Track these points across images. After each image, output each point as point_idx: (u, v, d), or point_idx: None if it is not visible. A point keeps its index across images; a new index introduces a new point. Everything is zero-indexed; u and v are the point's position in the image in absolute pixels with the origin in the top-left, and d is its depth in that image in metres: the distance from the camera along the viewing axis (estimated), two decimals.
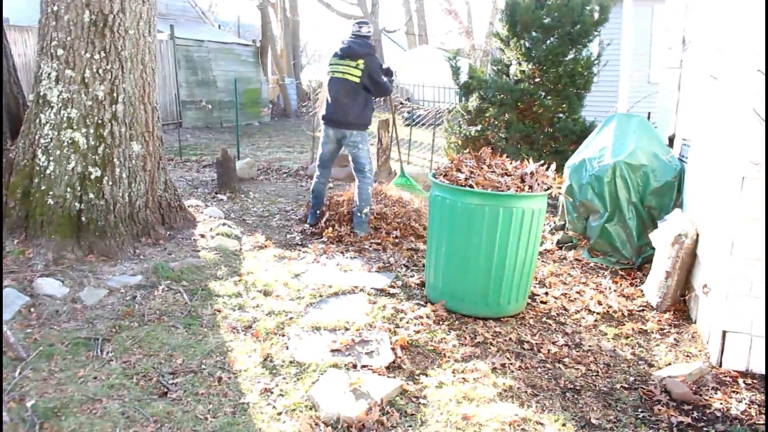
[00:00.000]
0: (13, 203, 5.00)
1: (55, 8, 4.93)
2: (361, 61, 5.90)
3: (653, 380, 3.58)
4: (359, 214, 6.10)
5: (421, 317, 4.26)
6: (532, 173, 4.47)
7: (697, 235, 4.55)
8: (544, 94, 8.49)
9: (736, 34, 3.94)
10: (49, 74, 4.97)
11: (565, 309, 4.65)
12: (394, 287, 4.82)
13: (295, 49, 25.58)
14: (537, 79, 8.56)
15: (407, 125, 14.50)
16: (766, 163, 3.43)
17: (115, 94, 5.12)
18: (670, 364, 3.83)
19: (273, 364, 3.56)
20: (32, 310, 4.03)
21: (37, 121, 5.03)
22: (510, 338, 4.08)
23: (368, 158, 6.13)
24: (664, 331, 4.34)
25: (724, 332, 3.76)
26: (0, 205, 4.99)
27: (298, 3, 25.79)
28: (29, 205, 4.99)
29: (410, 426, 3.06)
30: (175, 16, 18.72)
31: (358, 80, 5.90)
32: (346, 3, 28.72)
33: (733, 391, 3.49)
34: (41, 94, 5.01)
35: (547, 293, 4.92)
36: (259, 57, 20.34)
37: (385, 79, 6.11)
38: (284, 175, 9.94)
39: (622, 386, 3.55)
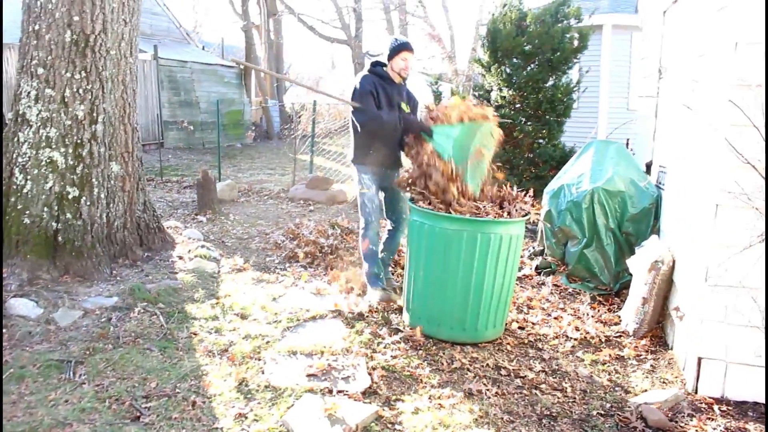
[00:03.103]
0: None
1: (37, 27, 4.92)
2: None
3: (629, 407, 3.58)
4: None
5: (398, 342, 4.25)
6: (510, 199, 4.49)
7: (674, 261, 4.59)
8: (524, 119, 8.58)
9: (710, 65, 4.01)
10: (29, 93, 4.95)
11: (543, 335, 4.66)
12: (372, 312, 4.80)
13: (278, 71, 25.66)
14: (518, 105, 8.66)
15: None
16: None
17: (95, 114, 5.10)
18: (646, 390, 3.84)
19: (248, 389, 3.52)
20: (4, 331, 3.97)
21: (15, 139, 4.99)
22: (487, 364, 4.07)
23: (365, 205, 5.03)
24: (641, 357, 4.36)
25: (700, 359, 3.78)
26: (0, 220, 4.92)
27: (282, 26, 25.92)
28: (5, 224, 4.93)
29: None
30: (159, 36, 18.75)
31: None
32: (329, 26, 28.91)
33: (709, 418, 3.50)
34: (20, 112, 4.98)
35: (525, 319, 4.93)
36: (243, 79, 20.40)
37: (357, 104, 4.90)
38: (265, 197, 9.93)
39: (598, 413, 3.54)
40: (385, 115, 4.82)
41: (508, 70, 8.68)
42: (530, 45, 8.48)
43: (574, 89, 8.66)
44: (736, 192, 3.48)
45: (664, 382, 3.98)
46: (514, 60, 8.68)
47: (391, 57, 4.97)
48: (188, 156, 15.61)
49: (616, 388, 3.87)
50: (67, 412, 3.14)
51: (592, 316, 5.04)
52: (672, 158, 5.22)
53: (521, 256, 6.26)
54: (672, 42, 5.61)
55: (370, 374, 3.75)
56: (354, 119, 4.94)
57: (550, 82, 8.58)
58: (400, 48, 4.96)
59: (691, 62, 4.59)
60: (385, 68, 5.01)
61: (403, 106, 5.05)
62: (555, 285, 5.80)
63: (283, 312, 4.67)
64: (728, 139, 3.47)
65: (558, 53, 8.42)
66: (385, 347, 4.17)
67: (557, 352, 4.38)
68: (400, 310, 4.84)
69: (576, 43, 8.57)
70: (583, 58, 8.94)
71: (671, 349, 4.46)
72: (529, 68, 8.56)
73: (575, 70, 9.13)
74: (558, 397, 3.69)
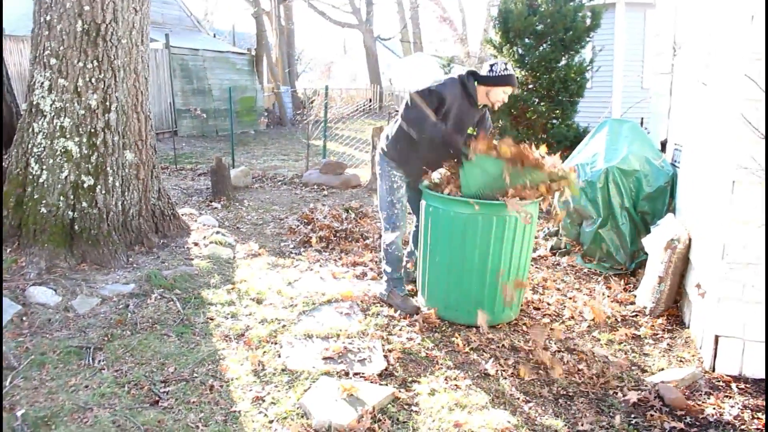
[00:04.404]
0: (6, 212, 5.00)
1: (48, 18, 4.94)
2: None
3: (646, 386, 3.58)
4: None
5: (414, 325, 4.26)
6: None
7: (690, 239, 4.55)
8: (537, 100, 8.52)
9: (725, 39, 3.95)
10: (42, 83, 4.98)
11: (559, 315, 4.65)
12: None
13: (290, 58, 25.65)
14: (530, 86, 8.59)
15: None
16: (766, 164, 3.43)
17: (107, 103, 5.12)
18: (663, 369, 3.83)
19: (265, 372, 3.55)
20: (24, 318, 4.03)
21: (30, 130, 5.03)
22: (503, 345, 4.07)
23: (385, 201, 4.56)
24: (658, 336, 4.34)
25: (717, 337, 3.76)
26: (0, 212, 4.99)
27: (293, 11, 25.87)
28: (22, 214, 4.99)
29: None
30: (171, 25, 18.75)
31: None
32: (340, 11, 28.86)
33: (726, 396, 3.49)
34: (34, 103, 5.02)
35: (540, 299, 4.92)
36: (255, 65, 20.38)
37: (420, 111, 4.20)
38: (279, 183, 9.95)
39: (615, 392, 3.54)
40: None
41: (520, 51, 8.61)
42: (542, 24, 8.40)
43: (587, 68, 8.59)
44: (753, 168, 3.44)
45: (681, 361, 3.96)
46: (526, 40, 8.61)
47: (491, 83, 4.26)
48: (202, 143, 15.66)
49: (633, 367, 3.86)
50: (87, 397, 3.19)
51: (608, 296, 5.02)
52: (687, 136, 5.16)
53: (536, 237, 6.24)
54: (686, 17, 5.53)
55: (386, 356, 3.77)
56: (405, 115, 4.31)
57: (563, 62, 8.51)
58: (507, 81, 4.26)
59: (706, 37, 4.52)
60: (475, 87, 4.31)
61: (468, 130, 4.48)
62: (570, 265, 5.78)
63: (298, 296, 4.69)
64: (744, 114, 3.42)
65: (570, 32, 8.34)
66: (400, 330, 4.18)
67: (573, 332, 4.37)
68: (416, 292, 4.84)
69: (588, 21, 8.48)
70: (596, 36, 8.86)
71: (688, 327, 4.43)
72: (541, 48, 8.49)
73: (588, 49, 9.05)
74: (574, 377, 3.69)
